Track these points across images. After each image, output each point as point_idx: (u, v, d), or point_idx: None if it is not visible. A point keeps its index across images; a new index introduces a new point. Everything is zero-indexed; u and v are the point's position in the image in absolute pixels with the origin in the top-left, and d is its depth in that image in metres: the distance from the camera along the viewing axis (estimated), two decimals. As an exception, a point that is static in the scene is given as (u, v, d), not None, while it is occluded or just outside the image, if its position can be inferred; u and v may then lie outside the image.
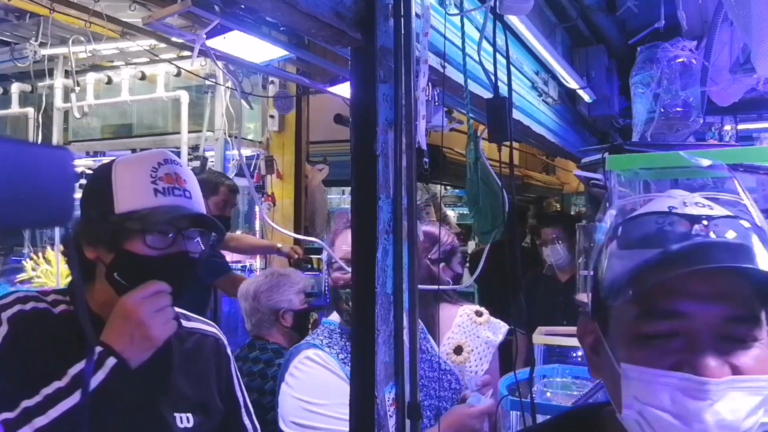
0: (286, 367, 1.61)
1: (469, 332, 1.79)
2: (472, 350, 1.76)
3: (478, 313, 1.83)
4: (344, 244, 1.57)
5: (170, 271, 1.17)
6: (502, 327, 1.83)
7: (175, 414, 1.23)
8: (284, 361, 1.66)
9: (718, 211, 0.75)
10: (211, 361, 1.37)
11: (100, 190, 1.19)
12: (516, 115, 2.79)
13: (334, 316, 1.68)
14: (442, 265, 1.99)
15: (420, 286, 1.25)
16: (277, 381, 1.69)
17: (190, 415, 1.26)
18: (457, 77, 1.65)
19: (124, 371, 1.09)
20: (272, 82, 4.53)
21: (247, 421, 1.40)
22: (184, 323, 1.32)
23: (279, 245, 4.17)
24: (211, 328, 1.41)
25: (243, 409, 1.40)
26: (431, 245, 1.94)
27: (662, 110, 2.15)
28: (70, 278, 1.37)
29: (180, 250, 1.19)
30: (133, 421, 1.17)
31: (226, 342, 1.42)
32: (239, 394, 1.40)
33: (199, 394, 1.30)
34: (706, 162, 1.04)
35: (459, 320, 1.81)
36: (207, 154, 4.54)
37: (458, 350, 1.76)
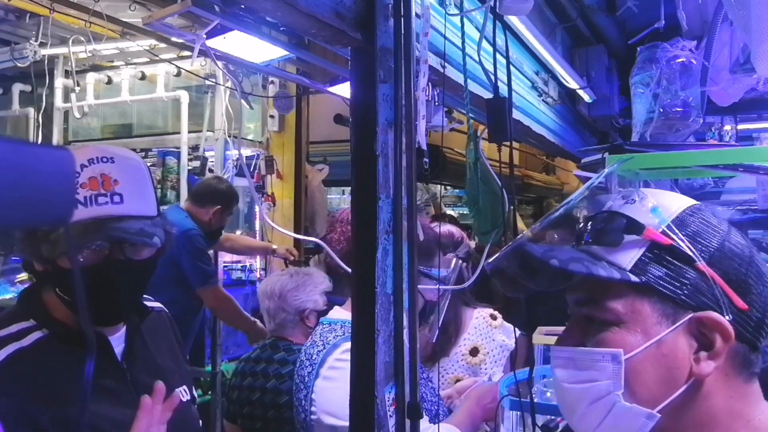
0: (322, 362, 1.57)
1: (485, 335, 1.79)
2: (488, 353, 1.76)
3: (493, 317, 1.84)
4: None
5: (104, 281, 1.12)
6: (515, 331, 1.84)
7: (175, 390, 1.22)
8: (323, 355, 1.60)
9: None
10: (170, 333, 1.40)
11: None
12: (516, 115, 2.79)
13: (338, 314, 1.66)
14: (465, 264, 1.98)
15: (421, 286, 1.24)
16: (304, 379, 1.64)
17: (184, 387, 1.31)
18: (457, 77, 1.65)
19: None
20: (272, 82, 4.53)
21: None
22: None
23: (274, 247, 4.16)
24: (153, 303, 1.41)
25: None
26: (452, 244, 1.93)
27: (662, 110, 2.15)
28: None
29: (115, 258, 1.12)
30: None
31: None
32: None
33: (178, 365, 1.35)
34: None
35: (475, 322, 1.81)
36: (207, 154, 4.53)
37: (474, 352, 1.76)
